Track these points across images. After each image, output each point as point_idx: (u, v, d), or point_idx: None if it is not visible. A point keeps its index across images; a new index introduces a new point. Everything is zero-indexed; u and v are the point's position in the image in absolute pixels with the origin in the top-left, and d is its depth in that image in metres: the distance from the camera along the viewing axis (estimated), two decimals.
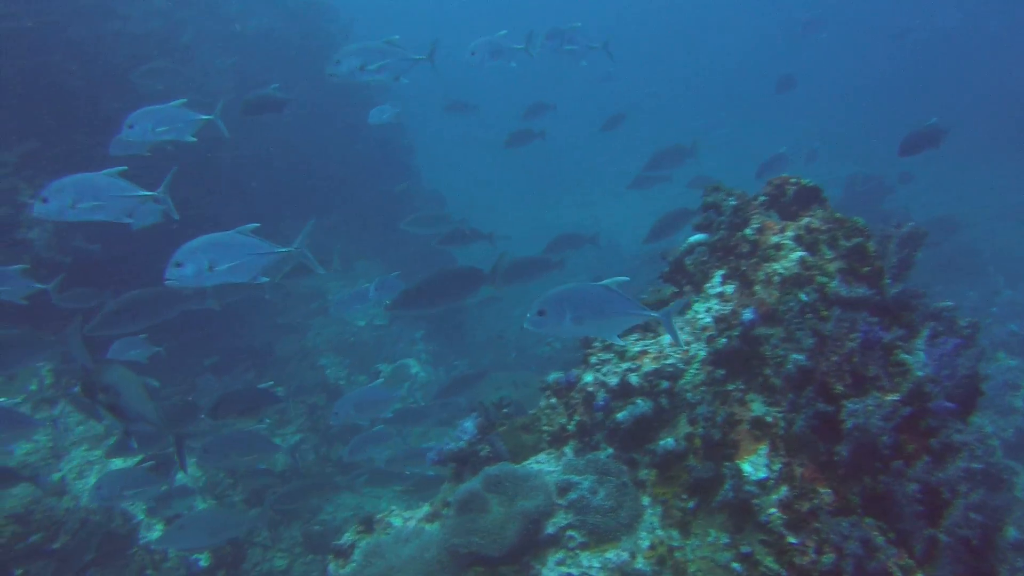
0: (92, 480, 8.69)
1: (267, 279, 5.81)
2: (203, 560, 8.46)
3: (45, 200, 5.80)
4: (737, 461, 3.89)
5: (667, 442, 4.00)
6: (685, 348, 4.48)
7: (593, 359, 4.51)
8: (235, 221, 9.57)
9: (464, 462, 4.72)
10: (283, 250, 5.82)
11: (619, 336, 4.88)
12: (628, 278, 4.74)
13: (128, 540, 8.48)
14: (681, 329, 4.44)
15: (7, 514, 8.05)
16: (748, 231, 4.54)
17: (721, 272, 4.56)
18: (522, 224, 21.91)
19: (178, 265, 5.43)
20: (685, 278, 4.77)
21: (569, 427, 4.40)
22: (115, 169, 6.04)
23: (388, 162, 17.85)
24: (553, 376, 4.74)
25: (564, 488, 4.03)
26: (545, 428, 4.52)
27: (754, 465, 3.84)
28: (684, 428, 4.06)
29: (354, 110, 16.69)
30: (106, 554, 8.08)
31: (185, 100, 6.87)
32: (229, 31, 16.37)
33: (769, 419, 3.94)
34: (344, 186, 16.10)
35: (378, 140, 17.19)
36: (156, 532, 8.56)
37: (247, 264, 5.70)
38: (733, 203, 4.73)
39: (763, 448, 3.88)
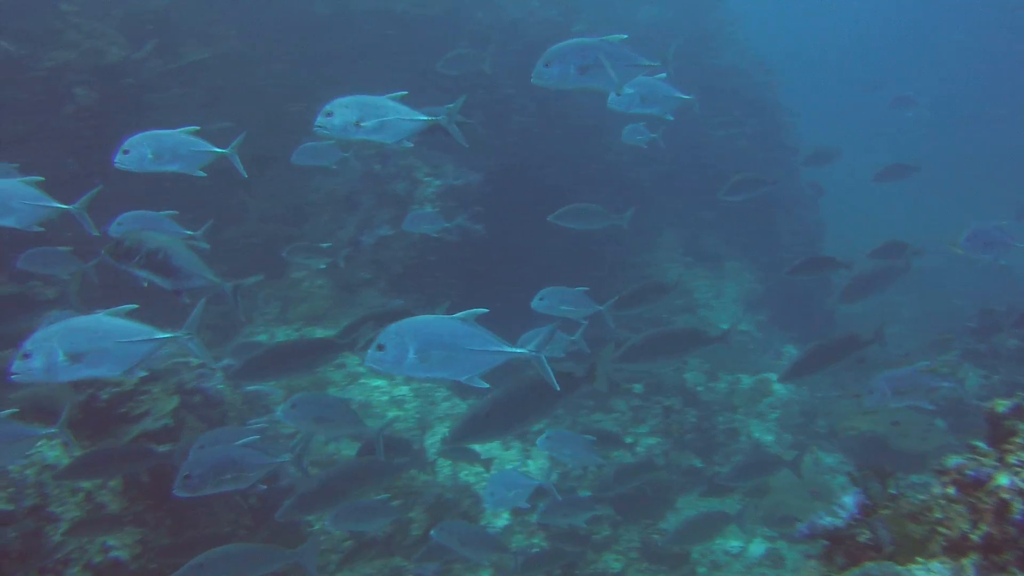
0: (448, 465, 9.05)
1: (144, 372, 5.09)
2: None
3: None
4: None
5: None
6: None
7: (1012, 458, 3.84)
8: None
9: (838, 542, 4.25)
10: (164, 336, 4.83)
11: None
12: (487, 310, 4.27)
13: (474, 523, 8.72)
14: None
15: None
16: None
17: None
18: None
19: (25, 356, 4.53)
20: None
21: (973, 536, 3.79)
22: (31, 178, 5.57)
23: (769, 160, 17.17)
24: (955, 460, 4.11)
25: None
26: (941, 530, 3.94)
27: None
28: None
29: (740, 105, 16.23)
30: None
31: (198, 128, 5.98)
32: (619, 20, 16.43)
33: None
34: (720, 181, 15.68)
35: (759, 135, 16.58)
36: (502, 520, 8.75)
37: (116, 354, 4.72)
38: None
39: None
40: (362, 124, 5.41)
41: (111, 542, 6.95)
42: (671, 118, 6.89)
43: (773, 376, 12.28)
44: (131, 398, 7.61)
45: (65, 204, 5.61)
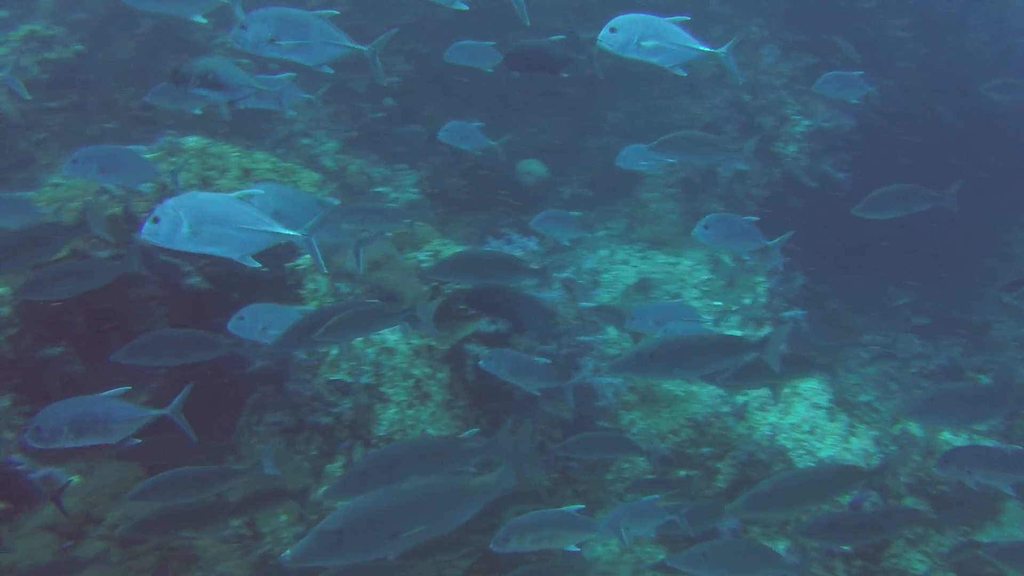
0: (772, 416, 8.68)
1: None
2: None
3: None
4: None
5: None
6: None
7: None
8: None
9: None
10: None
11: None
12: (263, 191, 4.47)
13: None
14: None
15: (688, 416, 8.43)
16: None
17: None
18: None
19: None
20: None
21: None
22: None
23: None
24: None
25: None
26: None
27: None
28: None
29: None
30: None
31: None
32: None
33: None
34: None
35: None
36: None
37: None
38: None
39: None
40: (277, 42, 5.16)
41: (431, 431, 7.32)
42: (684, 73, 5.64)
43: None
44: None
45: None
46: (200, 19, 5.94)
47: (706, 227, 6.80)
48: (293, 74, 6.43)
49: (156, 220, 4.19)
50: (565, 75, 7.05)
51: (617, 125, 11.13)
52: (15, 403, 6.92)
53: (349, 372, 7.27)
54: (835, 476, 6.10)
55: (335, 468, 6.99)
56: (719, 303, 9.68)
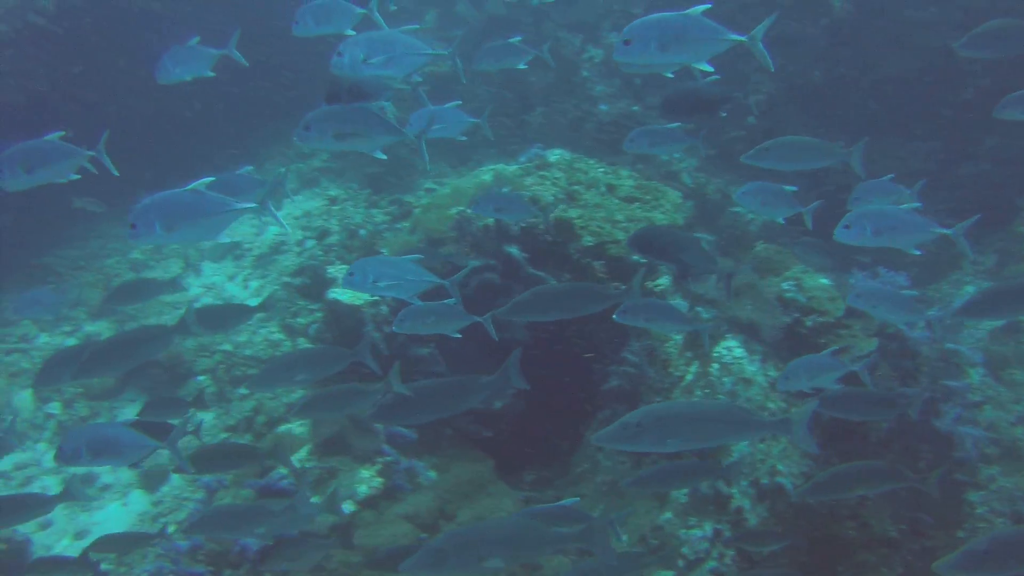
0: None
1: None
2: None
3: None
4: None
5: None
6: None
7: None
8: None
9: None
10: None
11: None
12: (214, 178, 4.70)
13: None
14: None
15: None
16: None
17: None
18: None
19: None
20: None
21: None
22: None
23: None
24: None
25: None
26: None
27: None
28: None
29: None
30: None
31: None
32: None
33: None
34: None
35: None
36: None
37: None
38: None
39: None
40: (369, 60, 5.56)
41: (780, 467, 7.08)
42: (710, 68, 5.04)
43: None
44: (832, 330, 7.58)
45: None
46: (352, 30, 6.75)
47: (847, 227, 5.69)
48: (458, 102, 6.72)
49: (133, 226, 4.58)
50: (724, 115, 6.91)
51: (994, 150, 10.26)
52: None
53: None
54: None
55: (678, 494, 6.92)
56: None
